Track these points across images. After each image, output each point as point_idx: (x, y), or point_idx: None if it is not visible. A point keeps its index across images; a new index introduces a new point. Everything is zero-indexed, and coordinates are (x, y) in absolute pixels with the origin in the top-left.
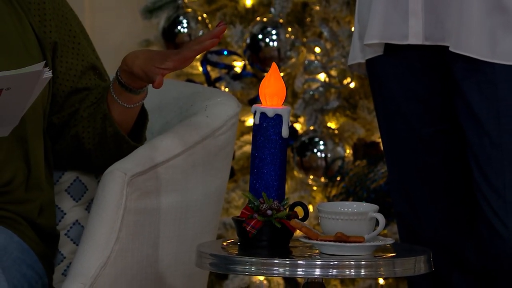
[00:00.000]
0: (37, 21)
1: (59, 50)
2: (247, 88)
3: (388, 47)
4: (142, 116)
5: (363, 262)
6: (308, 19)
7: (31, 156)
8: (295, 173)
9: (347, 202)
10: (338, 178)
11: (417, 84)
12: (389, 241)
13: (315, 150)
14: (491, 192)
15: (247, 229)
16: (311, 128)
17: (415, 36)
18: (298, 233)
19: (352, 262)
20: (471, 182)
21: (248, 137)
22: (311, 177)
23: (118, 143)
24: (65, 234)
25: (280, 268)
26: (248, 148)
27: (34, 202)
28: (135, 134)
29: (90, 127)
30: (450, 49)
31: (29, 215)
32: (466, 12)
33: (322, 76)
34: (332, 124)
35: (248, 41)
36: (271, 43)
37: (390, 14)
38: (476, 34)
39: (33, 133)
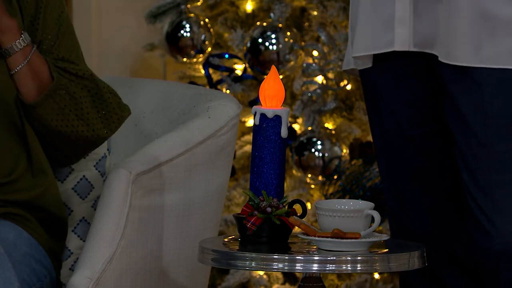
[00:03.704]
0: (28, 21)
1: (40, 48)
2: (247, 90)
3: (378, 55)
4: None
5: (359, 258)
6: (306, 24)
7: (29, 141)
8: (294, 172)
9: (343, 200)
10: (335, 177)
11: (406, 88)
12: (384, 237)
13: (313, 150)
14: (478, 191)
15: (248, 225)
16: (309, 128)
17: (401, 43)
18: (296, 229)
19: (349, 258)
20: (460, 181)
21: (249, 137)
22: (309, 175)
23: (25, 110)
24: (72, 231)
25: (279, 263)
26: (248, 147)
27: (41, 187)
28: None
29: None
30: (440, 59)
31: (40, 202)
32: (452, 20)
33: (319, 79)
34: (329, 125)
35: (248, 44)
36: (270, 47)
37: (375, 25)
38: (463, 41)
39: (25, 119)
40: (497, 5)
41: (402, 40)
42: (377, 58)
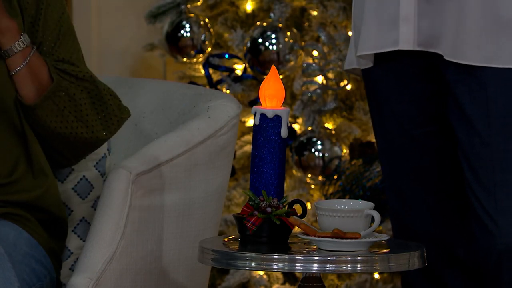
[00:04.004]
0: (29, 22)
1: (40, 49)
2: (247, 90)
3: (380, 55)
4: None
5: (359, 258)
6: (306, 24)
7: (29, 142)
8: (294, 172)
9: (343, 200)
10: (335, 177)
11: (409, 87)
12: (384, 237)
13: (313, 150)
14: (481, 190)
15: (248, 225)
16: (309, 128)
17: (406, 42)
18: (296, 229)
19: (349, 258)
20: (462, 180)
21: (249, 137)
22: (309, 175)
23: (24, 111)
24: (72, 231)
25: (279, 263)
26: (248, 147)
27: (42, 188)
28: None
29: None
30: (445, 57)
31: (41, 203)
32: (459, 19)
33: (319, 79)
34: (329, 125)
35: (248, 44)
36: (270, 47)
37: (381, 24)
38: (470, 42)
39: (25, 120)
40: (504, 6)
41: (406, 39)
42: (379, 57)
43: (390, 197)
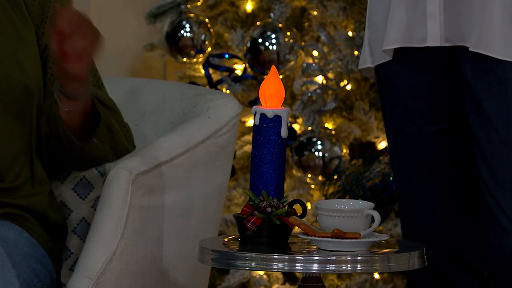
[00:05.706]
0: (35, 24)
1: (46, 52)
2: (247, 90)
3: (399, 50)
4: (94, 119)
5: (359, 258)
6: (306, 24)
7: (35, 150)
8: (294, 172)
9: (343, 200)
10: (335, 177)
11: (425, 83)
12: (384, 237)
13: (313, 150)
14: (497, 187)
15: (248, 225)
16: (309, 128)
17: (433, 38)
18: (296, 229)
19: (349, 258)
20: (475, 178)
21: (249, 137)
22: (309, 175)
23: (67, 142)
24: (72, 231)
25: (279, 263)
26: (248, 147)
27: (42, 195)
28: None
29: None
30: (471, 49)
31: (38, 208)
32: (486, 14)
33: (319, 79)
34: (329, 125)
35: (248, 44)
36: (270, 47)
37: (409, 18)
38: (495, 36)
39: (35, 128)
40: None
41: (434, 36)
42: (397, 52)
43: (400, 198)
